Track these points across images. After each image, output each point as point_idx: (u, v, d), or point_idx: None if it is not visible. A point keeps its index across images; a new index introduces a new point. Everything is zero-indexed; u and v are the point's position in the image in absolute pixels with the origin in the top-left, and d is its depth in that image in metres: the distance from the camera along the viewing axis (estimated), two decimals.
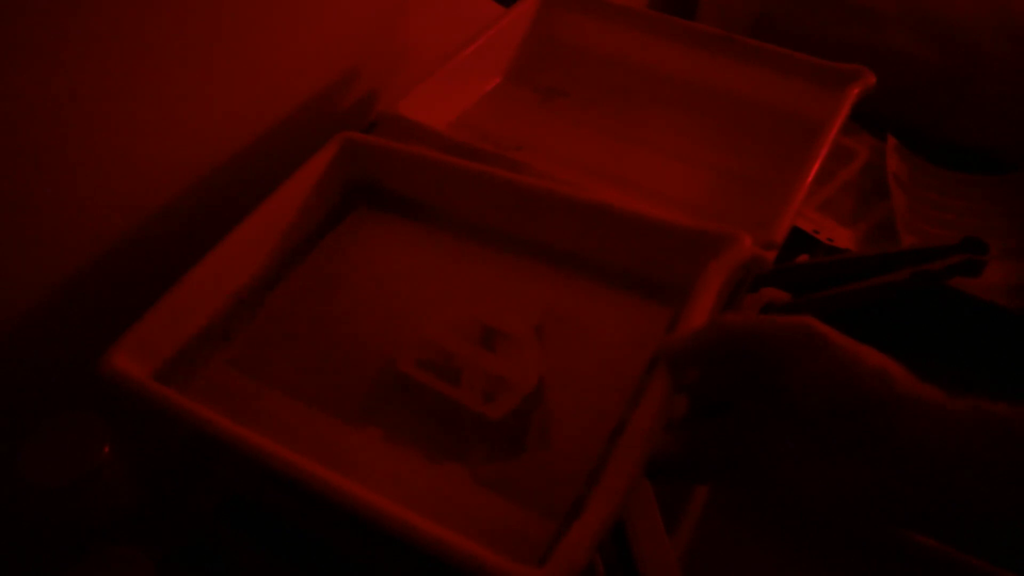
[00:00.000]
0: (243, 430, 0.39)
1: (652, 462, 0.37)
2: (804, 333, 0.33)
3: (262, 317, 0.50)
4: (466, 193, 0.54)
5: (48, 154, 0.45)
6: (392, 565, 0.43)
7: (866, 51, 0.85)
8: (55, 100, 0.45)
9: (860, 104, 0.64)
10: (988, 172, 0.81)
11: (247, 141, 0.59)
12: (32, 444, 0.42)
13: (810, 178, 0.56)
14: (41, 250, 0.47)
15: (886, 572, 0.32)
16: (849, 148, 0.82)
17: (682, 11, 0.98)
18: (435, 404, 0.45)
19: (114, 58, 0.47)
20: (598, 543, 0.34)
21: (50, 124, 0.45)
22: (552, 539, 0.39)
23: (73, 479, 0.41)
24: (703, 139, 0.67)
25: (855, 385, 0.31)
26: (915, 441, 0.30)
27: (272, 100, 0.61)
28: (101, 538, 0.41)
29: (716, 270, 0.44)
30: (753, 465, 0.35)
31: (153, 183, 0.53)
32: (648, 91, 0.72)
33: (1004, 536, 0.28)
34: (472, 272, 0.53)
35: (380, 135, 0.58)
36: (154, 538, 0.43)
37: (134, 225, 0.52)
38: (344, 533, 0.44)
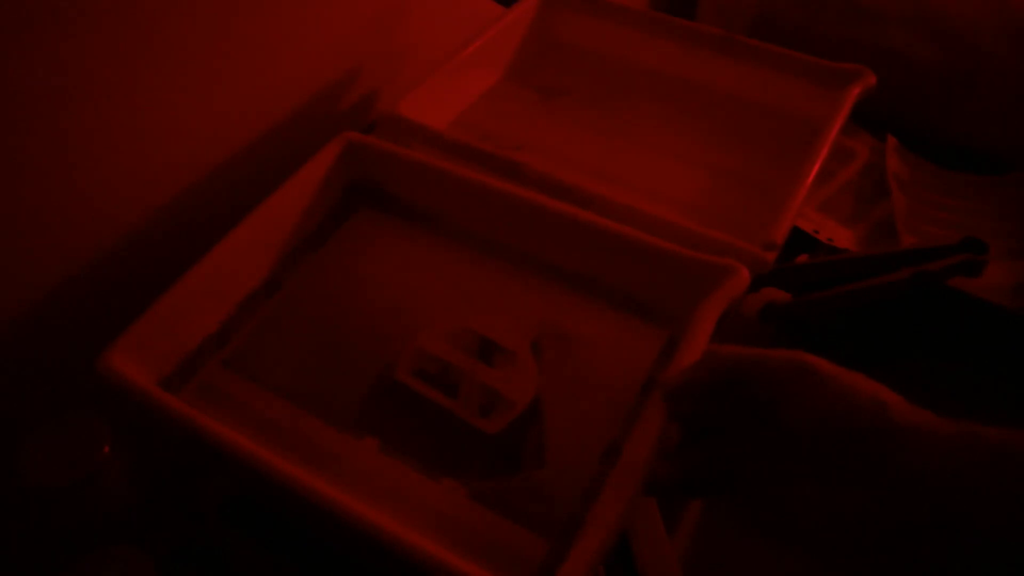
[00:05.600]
0: (237, 436, 0.39)
1: (648, 484, 0.37)
2: (797, 368, 0.34)
3: (260, 319, 0.50)
4: (468, 203, 0.54)
5: (48, 153, 0.45)
6: (387, 570, 0.43)
7: (866, 51, 0.85)
8: (56, 99, 0.45)
9: (860, 104, 0.64)
10: (988, 172, 0.81)
11: (248, 141, 0.59)
12: (32, 444, 0.42)
13: (810, 178, 0.56)
14: (41, 250, 0.47)
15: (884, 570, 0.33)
16: (849, 148, 0.81)
17: (682, 11, 0.98)
18: (431, 415, 0.45)
19: (115, 58, 0.47)
20: (593, 573, 0.34)
21: (51, 123, 0.45)
22: (545, 558, 0.39)
23: (73, 479, 0.41)
24: (703, 139, 0.67)
25: (850, 416, 0.32)
26: (909, 467, 0.30)
27: (272, 100, 0.61)
28: (101, 538, 0.41)
29: (713, 303, 0.45)
30: (748, 486, 0.35)
31: (153, 183, 0.53)
32: (648, 91, 0.72)
33: (997, 559, 0.28)
34: (472, 282, 0.53)
35: (380, 135, 0.58)
36: (154, 538, 0.43)
37: (134, 225, 0.52)
38: (338, 539, 0.44)
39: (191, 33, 0.51)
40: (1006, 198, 0.78)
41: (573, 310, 0.51)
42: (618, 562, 0.45)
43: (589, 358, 0.48)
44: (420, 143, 0.58)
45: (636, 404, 0.44)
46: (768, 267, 0.50)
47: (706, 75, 0.71)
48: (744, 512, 0.36)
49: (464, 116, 0.68)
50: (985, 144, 0.84)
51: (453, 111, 0.68)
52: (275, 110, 0.61)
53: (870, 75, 0.65)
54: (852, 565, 0.32)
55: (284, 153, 0.57)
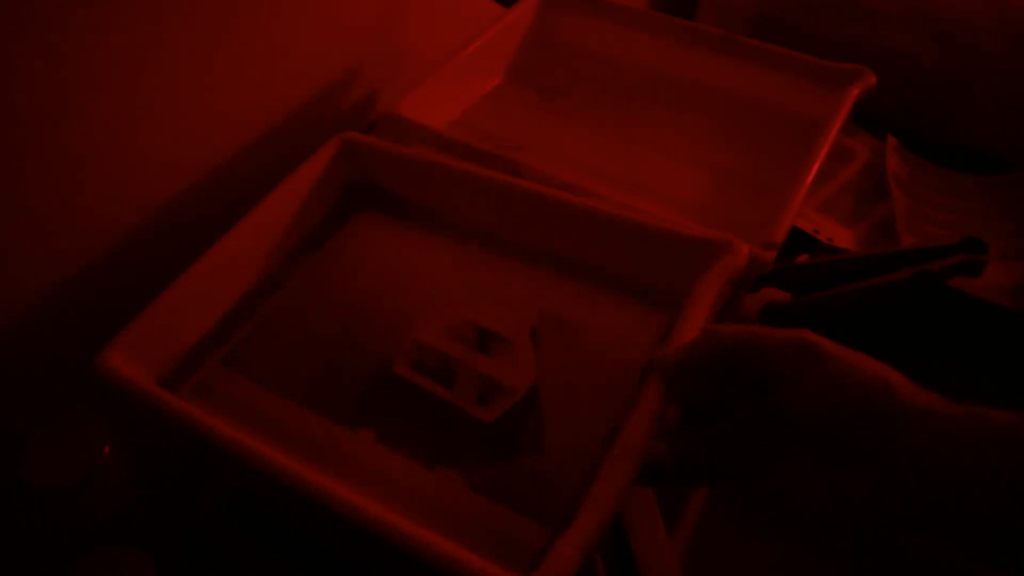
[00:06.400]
0: (235, 433, 0.39)
1: (646, 469, 0.37)
2: (801, 345, 0.33)
3: (258, 317, 0.50)
4: (464, 196, 0.54)
5: (48, 153, 0.45)
6: (386, 566, 0.43)
7: (866, 51, 0.85)
8: (56, 99, 0.45)
9: (860, 104, 0.64)
10: (988, 172, 0.81)
11: (247, 141, 0.59)
12: (32, 444, 0.42)
13: (810, 178, 0.56)
14: (41, 249, 0.47)
15: (884, 572, 0.32)
16: (849, 148, 0.81)
17: (682, 11, 0.98)
18: (429, 407, 0.44)
19: (115, 58, 0.47)
20: (588, 552, 0.34)
21: (51, 123, 0.45)
22: (544, 545, 0.39)
23: (73, 479, 0.41)
24: (703, 139, 0.67)
25: (856, 395, 0.31)
26: (914, 449, 0.30)
27: (272, 100, 0.61)
28: (101, 538, 0.41)
29: (711, 279, 0.44)
30: (750, 471, 0.35)
31: (153, 183, 0.53)
32: (648, 91, 0.72)
33: (1004, 541, 0.28)
34: (468, 274, 0.53)
35: (380, 135, 0.58)
36: (154, 538, 0.43)
37: (134, 225, 0.52)
38: (338, 534, 0.44)
39: (191, 33, 0.51)
40: (1006, 198, 0.78)
41: (571, 297, 0.50)
42: (618, 561, 0.45)
43: (588, 344, 0.48)
44: (420, 143, 0.58)
45: (636, 390, 0.44)
46: (768, 267, 0.50)
47: (706, 75, 0.71)
48: (746, 503, 0.35)
49: (464, 116, 0.68)
50: (985, 144, 0.84)
51: (453, 111, 0.68)
52: (275, 110, 0.61)
53: (870, 75, 0.65)
54: (857, 556, 0.32)
55: (284, 153, 0.57)
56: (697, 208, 0.60)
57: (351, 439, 0.44)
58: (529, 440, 0.44)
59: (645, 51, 0.73)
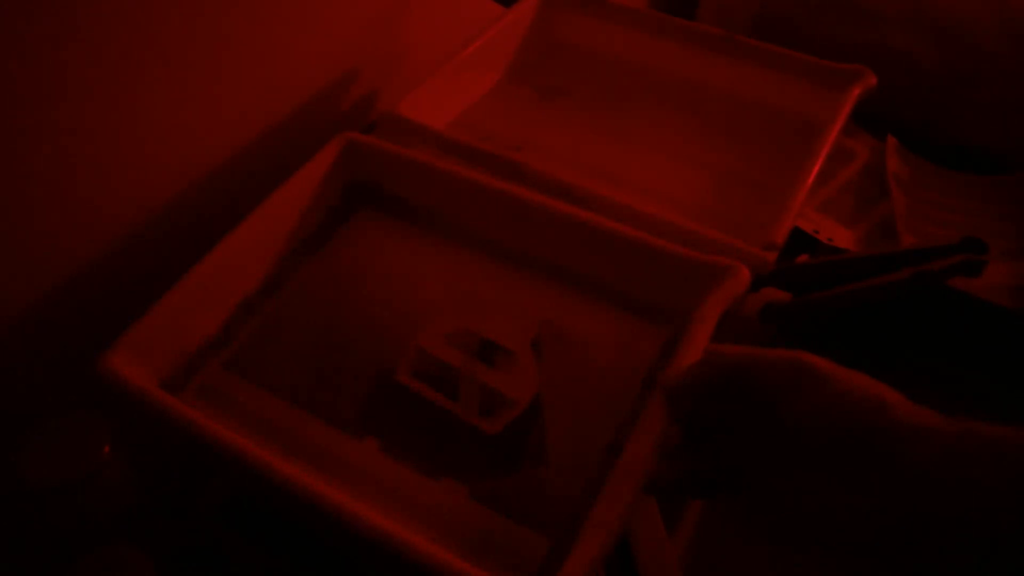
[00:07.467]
0: (236, 437, 0.39)
1: (650, 483, 0.38)
2: (798, 367, 0.34)
3: (261, 320, 0.50)
4: (468, 203, 0.54)
5: (49, 153, 0.45)
6: (388, 570, 0.43)
7: (866, 51, 0.85)
8: (57, 99, 0.45)
9: (860, 104, 0.64)
10: (988, 172, 0.81)
11: (248, 141, 0.59)
12: (32, 444, 0.42)
13: (811, 179, 0.56)
14: (42, 249, 0.47)
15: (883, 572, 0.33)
16: (849, 148, 0.81)
17: (682, 11, 0.98)
18: (432, 416, 0.44)
19: (115, 58, 0.47)
20: (594, 572, 0.34)
21: (51, 123, 0.45)
22: (545, 557, 0.39)
23: (73, 479, 0.41)
24: (703, 139, 0.67)
25: (852, 414, 0.32)
26: (911, 465, 0.30)
27: (273, 100, 0.61)
28: (101, 538, 0.41)
29: (713, 303, 0.45)
30: (750, 486, 0.35)
31: (153, 183, 0.53)
32: (648, 91, 0.72)
33: (1000, 554, 0.28)
34: (472, 282, 0.53)
35: (380, 135, 0.58)
36: (154, 538, 0.43)
37: (135, 225, 0.52)
38: (339, 540, 0.44)
39: (191, 33, 0.51)
40: (1006, 198, 0.78)
41: (573, 310, 0.51)
42: (618, 562, 0.45)
43: (589, 358, 0.48)
44: (420, 143, 0.58)
45: (636, 403, 0.44)
46: (768, 267, 0.50)
47: (706, 75, 0.71)
48: (746, 513, 0.36)
49: (464, 116, 0.68)
50: (985, 144, 0.84)
51: (453, 111, 0.68)
52: (275, 110, 0.61)
53: (870, 75, 0.65)
54: (855, 562, 0.32)
55: (284, 153, 0.57)
56: (697, 208, 0.60)
57: (354, 447, 0.44)
58: (531, 452, 0.44)
59: (645, 51, 0.73)
